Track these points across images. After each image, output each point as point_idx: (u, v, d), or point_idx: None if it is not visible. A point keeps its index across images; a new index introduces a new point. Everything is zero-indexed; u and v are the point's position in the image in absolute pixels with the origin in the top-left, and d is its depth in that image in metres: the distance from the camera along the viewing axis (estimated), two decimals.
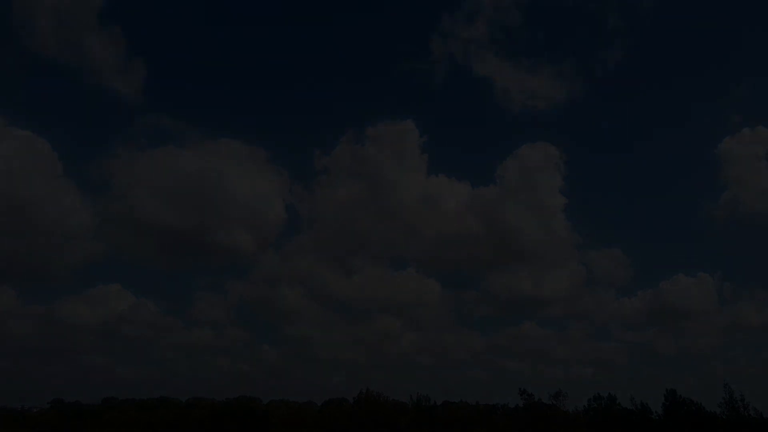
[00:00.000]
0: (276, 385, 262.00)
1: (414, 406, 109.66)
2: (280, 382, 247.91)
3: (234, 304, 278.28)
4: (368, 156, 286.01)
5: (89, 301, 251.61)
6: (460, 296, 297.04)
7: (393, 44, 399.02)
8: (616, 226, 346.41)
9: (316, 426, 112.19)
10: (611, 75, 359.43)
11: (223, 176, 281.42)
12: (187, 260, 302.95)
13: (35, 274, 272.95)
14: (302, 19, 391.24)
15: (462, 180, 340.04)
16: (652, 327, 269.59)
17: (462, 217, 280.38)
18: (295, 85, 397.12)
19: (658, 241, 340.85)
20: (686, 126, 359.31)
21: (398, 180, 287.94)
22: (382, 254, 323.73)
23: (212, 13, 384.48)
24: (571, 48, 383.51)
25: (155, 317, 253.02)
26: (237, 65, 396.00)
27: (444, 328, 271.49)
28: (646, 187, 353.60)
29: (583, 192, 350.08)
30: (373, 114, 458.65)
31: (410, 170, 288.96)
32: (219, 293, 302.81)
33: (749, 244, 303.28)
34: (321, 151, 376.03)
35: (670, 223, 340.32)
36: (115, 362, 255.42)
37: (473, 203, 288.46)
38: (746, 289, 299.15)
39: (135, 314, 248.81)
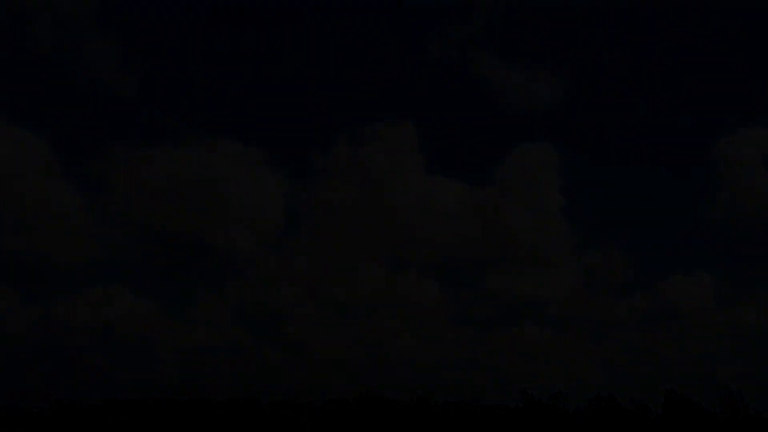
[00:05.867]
0: (276, 385, 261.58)
1: (414, 406, 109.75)
2: (280, 382, 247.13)
3: (234, 304, 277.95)
4: (366, 156, 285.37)
5: (89, 301, 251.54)
6: (460, 296, 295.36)
7: (390, 44, 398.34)
8: (615, 226, 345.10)
9: (316, 426, 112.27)
10: (609, 75, 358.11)
11: (221, 176, 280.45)
12: (186, 260, 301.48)
13: (35, 274, 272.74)
14: (300, 20, 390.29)
15: (460, 180, 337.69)
16: (651, 327, 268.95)
17: (460, 217, 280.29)
18: (293, 85, 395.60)
19: (658, 241, 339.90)
20: (683, 125, 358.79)
21: (396, 180, 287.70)
22: (381, 254, 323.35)
23: (211, 13, 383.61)
24: (569, 48, 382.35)
25: (155, 317, 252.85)
26: (235, 65, 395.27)
27: (444, 328, 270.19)
28: (645, 186, 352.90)
29: (581, 192, 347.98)
30: (371, 114, 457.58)
31: (408, 170, 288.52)
32: (219, 293, 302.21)
33: (747, 244, 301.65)
34: (319, 152, 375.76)
35: (668, 223, 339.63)
36: (115, 362, 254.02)
37: (472, 203, 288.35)
38: (746, 289, 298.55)
39: (135, 314, 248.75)
